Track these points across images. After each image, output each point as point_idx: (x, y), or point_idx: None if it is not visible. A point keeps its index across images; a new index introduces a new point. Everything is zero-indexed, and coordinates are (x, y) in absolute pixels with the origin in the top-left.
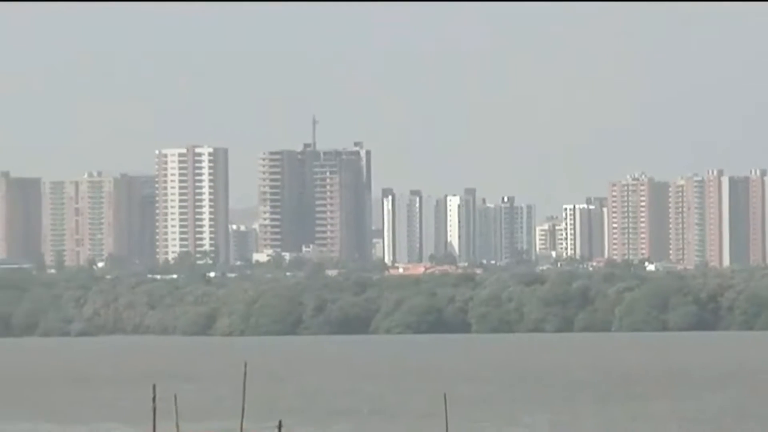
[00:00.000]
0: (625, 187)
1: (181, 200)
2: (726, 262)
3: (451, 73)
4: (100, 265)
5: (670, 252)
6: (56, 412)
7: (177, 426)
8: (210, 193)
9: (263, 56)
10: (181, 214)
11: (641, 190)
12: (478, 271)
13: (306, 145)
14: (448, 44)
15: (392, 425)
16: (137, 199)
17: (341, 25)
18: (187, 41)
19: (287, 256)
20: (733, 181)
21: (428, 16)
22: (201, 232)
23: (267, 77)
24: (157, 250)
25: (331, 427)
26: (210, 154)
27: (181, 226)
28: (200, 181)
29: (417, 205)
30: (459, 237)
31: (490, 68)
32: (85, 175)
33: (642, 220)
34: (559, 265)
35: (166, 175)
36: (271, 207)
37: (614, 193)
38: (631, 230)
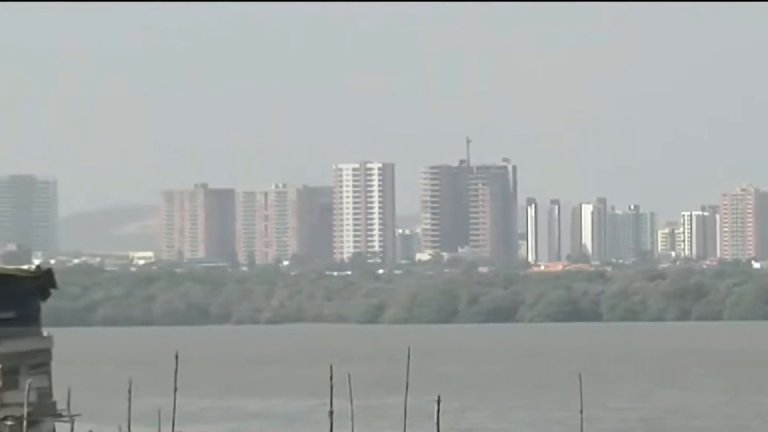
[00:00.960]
0: (735, 197)
1: (354, 208)
2: None
3: (577, 92)
4: (285, 263)
5: None
6: (245, 389)
7: (350, 400)
8: (379, 202)
9: (424, 81)
10: (354, 219)
11: (748, 199)
12: (608, 268)
13: (461, 161)
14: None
15: (538, 397)
16: (317, 207)
17: (489, 55)
18: (362, 70)
19: (445, 255)
20: None
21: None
22: (371, 236)
23: (427, 100)
24: (334, 250)
25: (486, 397)
26: (379, 169)
27: (354, 230)
28: (371, 191)
29: (556, 212)
30: (592, 239)
31: (617, 85)
32: (273, 186)
33: (749, 224)
34: (677, 263)
35: (341, 187)
36: (432, 214)
37: (725, 202)
38: (739, 233)
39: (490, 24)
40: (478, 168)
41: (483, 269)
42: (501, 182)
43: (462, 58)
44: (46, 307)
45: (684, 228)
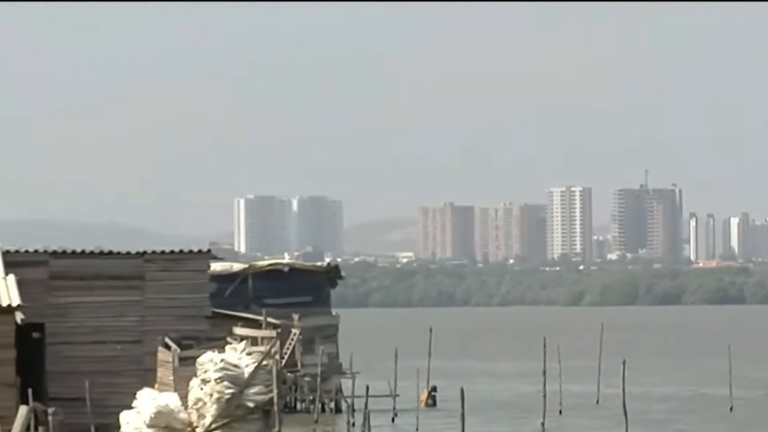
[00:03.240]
0: None
1: (562, 220)
2: None
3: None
4: (511, 261)
5: None
6: (478, 353)
7: (559, 362)
8: (580, 216)
9: (609, 111)
10: (562, 229)
11: None
12: (750, 264)
13: (641, 185)
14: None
15: (696, 362)
16: (534, 220)
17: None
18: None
19: (629, 255)
20: None
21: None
22: (574, 241)
23: (622, 132)
24: (546, 251)
25: (657, 362)
26: (580, 191)
27: (562, 237)
28: (573, 207)
29: (711, 222)
30: (738, 242)
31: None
32: (501, 204)
33: None
34: None
35: (552, 204)
36: (619, 224)
37: None
38: None
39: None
40: (653, 190)
41: (657, 266)
42: (670, 201)
43: (654, 89)
44: (334, 293)
45: None
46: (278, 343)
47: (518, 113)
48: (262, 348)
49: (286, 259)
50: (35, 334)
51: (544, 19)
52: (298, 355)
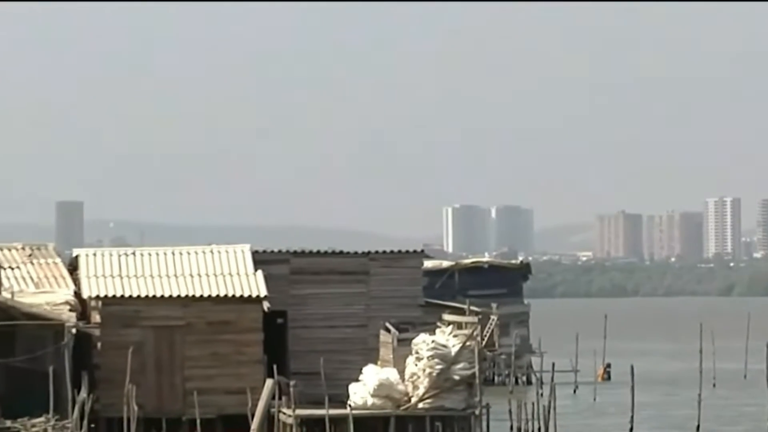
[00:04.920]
0: None
1: (716, 224)
2: None
3: None
4: (672, 259)
5: None
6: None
7: None
8: (731, 221)
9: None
10: (716, 233)
11: None
12: None
13: None
14: None
15: None
16: (692, 225)
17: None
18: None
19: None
20: None
21: None
22: (726, 242)
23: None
24: (702, 251)
25: None
26: (731, 201)
27: (715, 240)
28: (725, 214)
29: None
30: None
31: None
32: (664, 212)
33: None
34: None
35: (708, 212)
36: (763, 229)
37: None
38: None
39: None
40: None
41: None
42: None
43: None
44: (526, 286)
45: None
46: (479, 327)
47: (679, 133)
48: (466, 331)
49: (486, 257)
50: (279, 320)
51: None
52: (495, 337)
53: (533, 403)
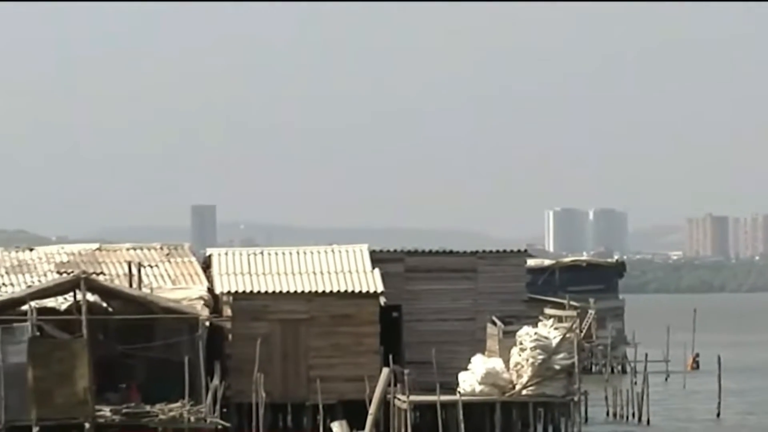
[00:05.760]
0: None
1: None
2: None
3: None
4: (756, 258)
5: None
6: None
7: None
8: None
9: None
10: None
11: None
12: None
13: None
14: None
15: None
16: None
17: None
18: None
19: None
20: None
21: None
22: None
23: None
24: None
25: None
26: None
27: None
28: None
29: None
30: None
31: None
32: (749, 214)
33: None
34: None
35: None
36: None
37: None
38: None
39: None
40: None
41: None
42: None
43: None
44: (621, 283)
45: None
46: (578, 320)
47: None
48: (566, 324)
49: (584, 256)
50: (394, 314)
51: None
52: (593, 330)
53: (627, 390)
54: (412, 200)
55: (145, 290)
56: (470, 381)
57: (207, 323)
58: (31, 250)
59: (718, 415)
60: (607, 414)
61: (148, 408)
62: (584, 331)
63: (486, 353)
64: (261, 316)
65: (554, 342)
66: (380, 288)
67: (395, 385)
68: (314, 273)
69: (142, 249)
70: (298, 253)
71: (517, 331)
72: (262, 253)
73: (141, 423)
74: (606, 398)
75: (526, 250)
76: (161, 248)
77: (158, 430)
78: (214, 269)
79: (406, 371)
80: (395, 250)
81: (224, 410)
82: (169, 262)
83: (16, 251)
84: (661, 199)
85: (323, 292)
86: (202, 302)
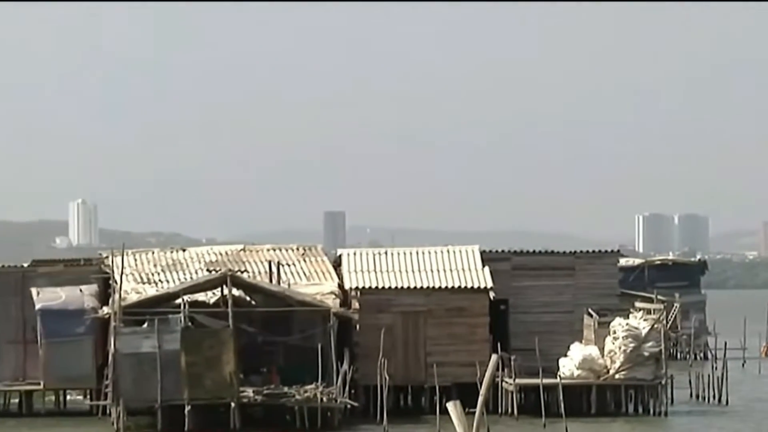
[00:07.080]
0: None
1: None
2: None
3: None
4: None
5: None
6: None
7: None
8: None
9: None
10: None
11: None
12: None
13: None
14: None
15: None
16: None
17: None
18: None
19: None
20: None
21: None
22: None
23: None
24: None
25: None
26: None
27: None
28: None
29: None
30: None
31: None
32: None
33: None
34: None
35: None
36: None
37: None
38: None
39: None
40: None
41: None
42: None
43: None
44: (703, 279)
45: None
46: (665, 312)
47: None
48: (654, 316)
49: (671, 256)
50: (502, 307)
51: None
52: (678, 321)
53: (708, 375)
54: (521, 206)
55: (284, 286)
56: (569, 366)
57: (337, 315)
58: (184, 250)
59: None
60: (690, 396)
61: (286, 389)
62: (670, 322)
63: (583, 341)
64: (385, 309)
65: (644, 332)
66: (490, 284)
67: (503, 369)
68: (432, 270)
69: (280, 250)
70: (417, 252)
71: (611, 322)
72: (386, 252)
73: (280, 402)
74: (690, 382)
75: (618, 251)
76: (297, 249)
77: (295, 409)
78: (344, 267)
79: (512, 357)
80: (503, 251)
81: (352, 391)
82: (304, 261)
83: (171, 251)
84: (738, 205)
85: (440, 287)
86: (333, 296)
